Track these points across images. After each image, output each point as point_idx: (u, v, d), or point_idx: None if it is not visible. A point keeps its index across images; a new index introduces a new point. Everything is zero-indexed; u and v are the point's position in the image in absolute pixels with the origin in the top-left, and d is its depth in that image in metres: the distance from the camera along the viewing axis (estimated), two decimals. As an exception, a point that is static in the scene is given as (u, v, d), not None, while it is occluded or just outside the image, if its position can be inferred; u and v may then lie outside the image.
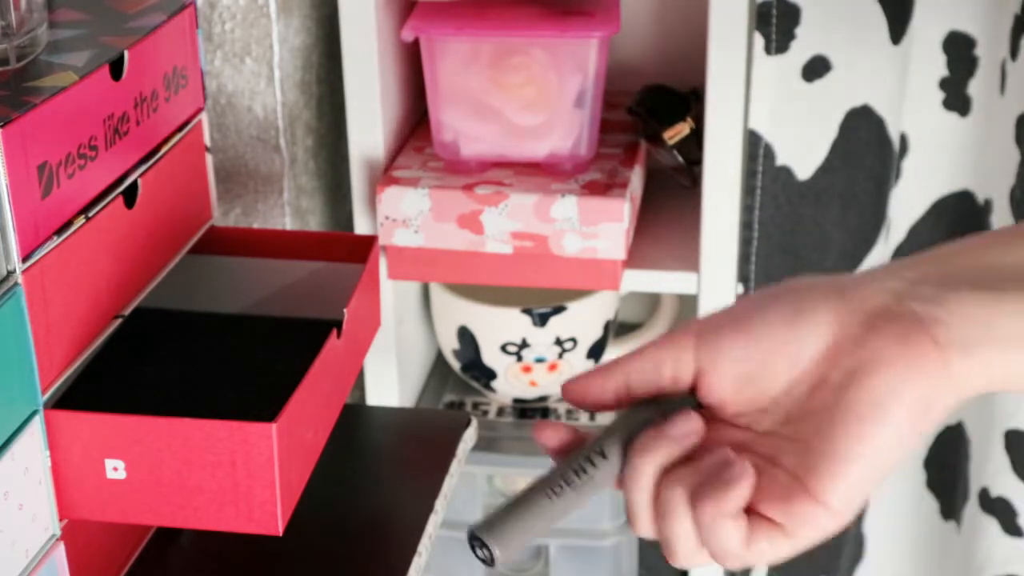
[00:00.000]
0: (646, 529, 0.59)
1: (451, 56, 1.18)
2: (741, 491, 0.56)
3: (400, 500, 0.88)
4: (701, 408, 0.61)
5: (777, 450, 0.58)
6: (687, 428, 0.59)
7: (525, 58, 1.17)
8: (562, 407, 1.38)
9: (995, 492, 1.25)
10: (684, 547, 0.58)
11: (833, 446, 0.56)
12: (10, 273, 0.66)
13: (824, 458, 0.56)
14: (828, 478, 0.56)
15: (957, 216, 1.27)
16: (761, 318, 0.58)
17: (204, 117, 0.86)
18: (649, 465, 0.59)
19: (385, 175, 1.21)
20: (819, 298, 0.58)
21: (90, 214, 0.71)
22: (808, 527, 0.56)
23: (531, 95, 1.18)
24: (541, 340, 1.30)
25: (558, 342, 1.30)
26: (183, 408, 0.71)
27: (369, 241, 0.88)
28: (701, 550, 0.58)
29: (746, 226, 1.19)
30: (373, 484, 0.90)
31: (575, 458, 0.61)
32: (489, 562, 0.60)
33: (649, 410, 0.61)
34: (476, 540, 0.60)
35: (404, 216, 1.18)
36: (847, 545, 1.38)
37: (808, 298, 0.58)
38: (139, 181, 0.77)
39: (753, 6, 1.13)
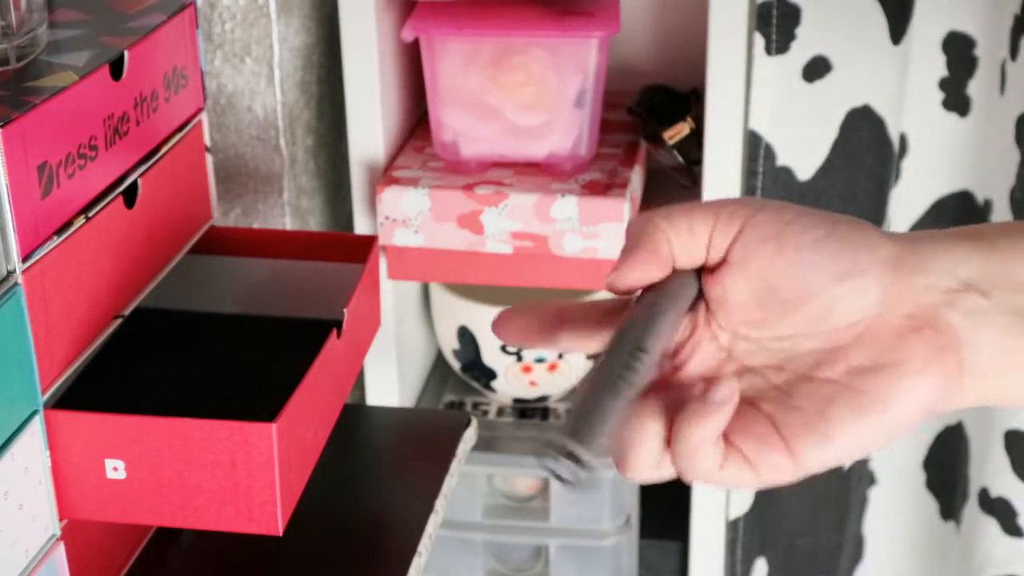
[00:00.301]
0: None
1: (451, 56, 1.18)
2: (726, 413, 0.55)
3: (400, 500, 0.88)
4: (700, 297, 0.58)
5: (759, 393, 0.57)
6: (727, 395, 0.56)
7: (525, 58, 1.17)
8: (562, 407, 1.38)
9: (995, 492, 1.25)
10: (645, 463, 0.56)
11: (827, 424, 0.55)
12: (10, 273, 0.66)
13: (813, 431, 0.55)
14: (813, 448, 0.55)
15: (957, 216, 1.27)
16: (813, 254, 0.56)
17: (204, 117, 0.86)
18: (697, 438, 0.56)
19: (385, 175, 1.21)
20: (875, 267, 0.56)
21: (90, 214, 0.71)
22: (775, 474, 0.56)
23: (531, 95, 1.18)
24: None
25: (558, 342, 1.30)
26: (183, 408, 0.71)
27: (369, 241, 0.88)
28: (660, 467, 0.56)
29: (746, 226, 1.19)
30: (373, 484, 0.90)
31: (617, 355, 0.56)
32: (576, 480, 0.53)
33: (662, 301, 0.58)
34: (567, 455, 0.53)
35: (404, 216, 1.18)
36: (847, 545, 1.38)
37: (865, 262, 0.56)
38: (139, 181, 0.77)
39: (753, 6, 1.13)
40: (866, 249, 0.56)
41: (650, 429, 0.56)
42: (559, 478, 0.54)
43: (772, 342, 0.58)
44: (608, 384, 0.55)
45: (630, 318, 0.58)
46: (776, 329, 0.57)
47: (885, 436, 0.55)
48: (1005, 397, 0.57)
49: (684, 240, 0.58)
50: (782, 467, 0.55)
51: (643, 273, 0.58)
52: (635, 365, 0.56)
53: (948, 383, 0.55)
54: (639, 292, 0.59)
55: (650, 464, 0.56)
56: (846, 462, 0.56)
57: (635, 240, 0.58)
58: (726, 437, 0.56)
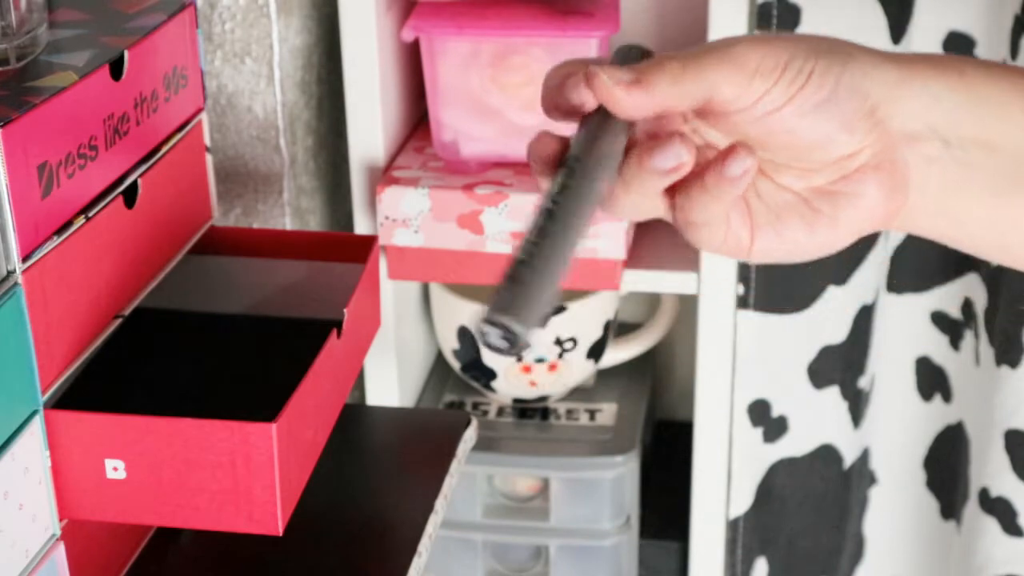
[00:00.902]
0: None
1: (451, 56, 1.18)
2: (744, 184, 0.58)
3: (400, 500, 0.88)
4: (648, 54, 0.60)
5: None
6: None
7: (525, 58, 1.17)
8: (562, 407, 1.38)
9: (995, 492, 1.25)
10: (635, 208, 0.61)
11: (781, 225, 0.60)
12: (10, 273, 0.66)
13: (769, 226, 0.60)
14: (764, 239, 0.60)
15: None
16: (814, 121, 0.58)
17: (204, 117, 0.86)
18: (714, 210, 0.59)
19: (385, 175, 1.21)
20: (863, 119, 0.58)
21: (90, 214, 0.71)
22: (734, 249, 0.61)
23: (531, 95, 1.18)
24: (541, 340, 1.30)
25: (558, 342, 1.30)
26: (183, 408, 0.71)
27: (369, 241, 0.88)
28: (647, 212, 0.61)
29: (746, 226, 1.19)
30: (373, 484, 0.90)
31: (556, 218, 0.58)
32: (510, 349, 0.52)
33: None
34: (497, 327, 0.52)
35: (404, 216, 1.18)
36: (847, 545, 1.38)
37: (858, 118, 0.58)
38: (139, 181, 0.77)
39: (753, 6, 1.13)
40: (859, 100, 0.58)
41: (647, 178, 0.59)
42: (490, 346, 0.53)
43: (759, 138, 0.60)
44: (545, 254, 0.56)
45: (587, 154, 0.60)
46: (755, 147, 0.60)
47: (821, 250, 0.61)
48: (929, 235, 0.62)
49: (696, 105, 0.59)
50: (742, 244, 0.60)
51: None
52: (575, 238, 0.57)
53: (888, 217, 0.60)
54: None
55: (640, 210, 0.61)
56: (781, 260, 0.62)
57: (650, 102, 0.58)
58: None
